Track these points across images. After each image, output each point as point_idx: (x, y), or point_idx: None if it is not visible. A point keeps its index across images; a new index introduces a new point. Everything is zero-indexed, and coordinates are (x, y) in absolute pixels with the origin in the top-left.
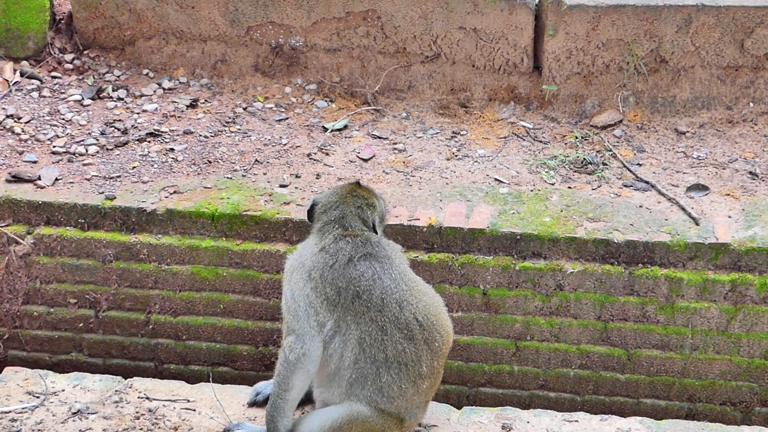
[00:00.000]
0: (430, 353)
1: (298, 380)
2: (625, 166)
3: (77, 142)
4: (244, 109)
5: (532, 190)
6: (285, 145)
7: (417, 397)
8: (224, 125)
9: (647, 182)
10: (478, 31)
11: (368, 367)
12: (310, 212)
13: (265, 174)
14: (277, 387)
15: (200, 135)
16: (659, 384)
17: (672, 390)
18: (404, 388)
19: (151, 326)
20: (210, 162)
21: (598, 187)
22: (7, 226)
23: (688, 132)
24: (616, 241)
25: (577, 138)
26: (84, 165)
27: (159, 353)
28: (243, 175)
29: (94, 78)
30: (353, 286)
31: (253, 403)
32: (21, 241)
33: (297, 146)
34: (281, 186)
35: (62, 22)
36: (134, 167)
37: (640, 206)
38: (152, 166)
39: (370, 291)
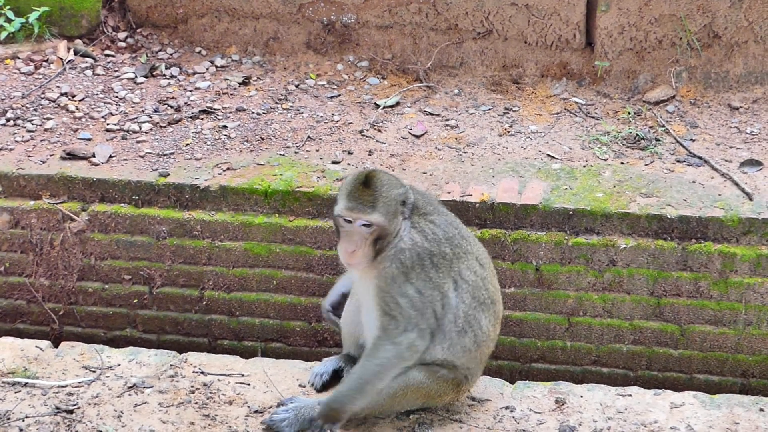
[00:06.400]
0: (498, 292)
1: (398, 372)
2: (678, 142)
3: (131, 120)
4: (297, 86)
5: (584, 166)
6: (337, 121)
7: (491, 344)
8: (276, 102)
9: (700, 157)
10: (530, 6)
11: (475, 313)
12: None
13: (317, 150)
14: (372, 375)
15: (253, 112)
16: (712, 359)
17: (725, 365)
18: (490, 330)
19: (204, 302)
20: (263, 139)
21: (651, 162)
22: (62, 203)
23: (741, 107)
24: (669, 217)
25: (629, 114)
26: (138, 142)
27: (212, 329)
28: (295, 152)
29: (147, 56)
30: (453, 229)
31: (323, 387)
32: (76, 217)
33: (349, 123)
34: (334, 162)
35: (115, 0)
36: (187, 144)
37: (693, 181)
38: (205, 143)
39: (461, 227)
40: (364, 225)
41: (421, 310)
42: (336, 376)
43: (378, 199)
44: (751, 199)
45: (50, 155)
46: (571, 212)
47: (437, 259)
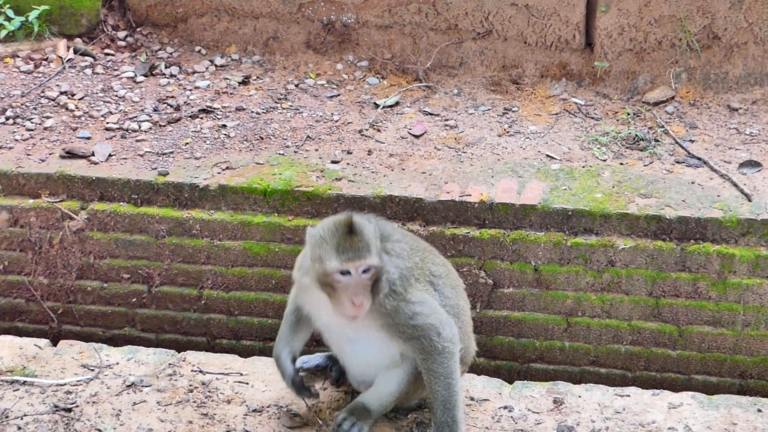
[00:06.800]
0: None
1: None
2: (677, 143)
3: (130, 119)
4: (296, 85)
5: (583, 167)
6: (336, 121)
7: (470, 319)
8: (276, 102)
9: (699, 158)
10: (530, 7)
11: (457, 301)
12: None
13: (316, 150)
14: (447, 387)
15: (252, 111)
16: (711, 360)
17: (723, 366)
18: (466, 308)
19: (203, 301)
20: (262, 138)
21: (650, 163)
22: (61, 201)
23: (740, 108)
24: (668, 217)
25: (628, 114)
26: (137, 141)
27: (211, 328)
28: (295, 152)
29: (146, 55)
30: (409, 238)
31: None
32: (75, 216)
33: (348, 122)
34: (333, 162)
35: None
36: (187, 143)
37: (692, 182)
38: (205, 142)
39: (406, 233)
40: (364, 272)
41: (433, 309)
42: (322, 373)
43: (369, 241)
44: (750, 200)
45: (49, 154)
46: (570, 212)
47: (416, 271)
